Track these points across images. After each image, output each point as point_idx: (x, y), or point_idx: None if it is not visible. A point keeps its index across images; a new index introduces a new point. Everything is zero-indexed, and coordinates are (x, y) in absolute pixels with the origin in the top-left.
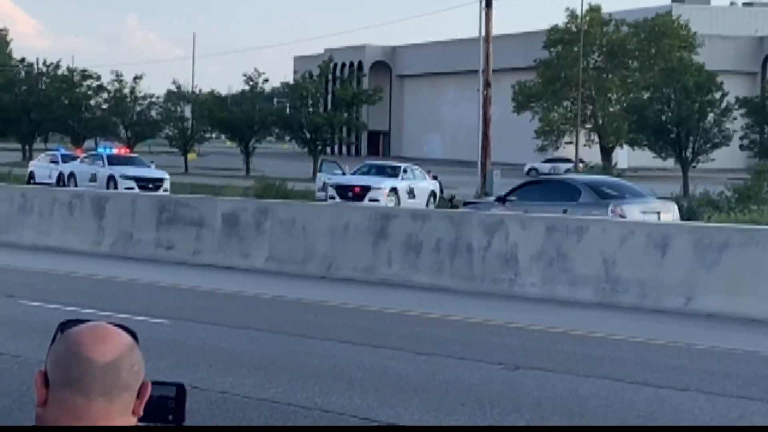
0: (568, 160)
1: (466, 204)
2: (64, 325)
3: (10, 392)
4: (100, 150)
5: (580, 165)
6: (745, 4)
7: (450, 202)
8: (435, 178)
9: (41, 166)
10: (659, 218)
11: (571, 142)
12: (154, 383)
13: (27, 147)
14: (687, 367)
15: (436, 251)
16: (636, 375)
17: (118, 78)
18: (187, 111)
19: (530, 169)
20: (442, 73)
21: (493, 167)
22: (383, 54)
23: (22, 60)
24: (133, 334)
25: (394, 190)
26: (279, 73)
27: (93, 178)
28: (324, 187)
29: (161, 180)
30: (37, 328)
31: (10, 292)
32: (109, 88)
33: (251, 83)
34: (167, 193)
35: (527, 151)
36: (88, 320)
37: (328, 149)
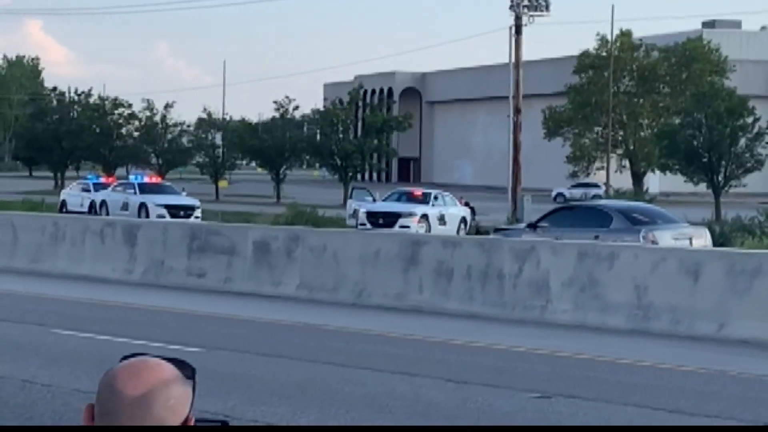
0: (596, 185)
1: (496, 230)
2: (125, 359)
3: (42, 421)
4: (132, 178)
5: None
6: None
7: (477, 231)
8: (467, 204)
9: (73, 194)
10: (691, 244)
11: (602, 168)
12: (198, 420)
13: (59, 175)
14: (720, 393)
15: (467, 278)
16: (669, 402)
17: (149, 106)
18: (218, 138)
19: (557, 195)
20: (473, 99)
21: (523, 193)
22: (413, 80)
23: (54, 89)
24: (186, 369)
25: (425, 217)
26: (309, 100)
27: (125, 207)
28: (354, 214)
29: (192, 208)
30: (69, 356)
31: (42, 320)
32: (140, 116)
33: (281, 110)
34: (198, 221)
35: (558, 176)
36: (146, 354)
37: (359, 176)
